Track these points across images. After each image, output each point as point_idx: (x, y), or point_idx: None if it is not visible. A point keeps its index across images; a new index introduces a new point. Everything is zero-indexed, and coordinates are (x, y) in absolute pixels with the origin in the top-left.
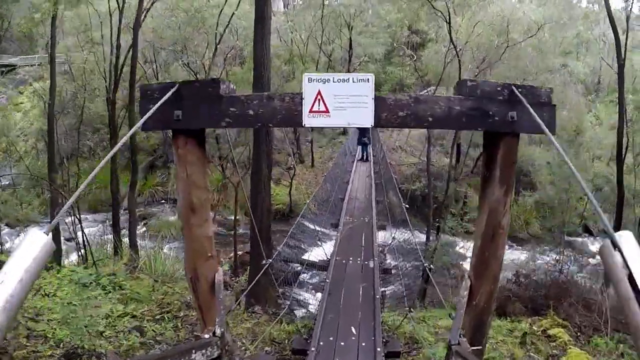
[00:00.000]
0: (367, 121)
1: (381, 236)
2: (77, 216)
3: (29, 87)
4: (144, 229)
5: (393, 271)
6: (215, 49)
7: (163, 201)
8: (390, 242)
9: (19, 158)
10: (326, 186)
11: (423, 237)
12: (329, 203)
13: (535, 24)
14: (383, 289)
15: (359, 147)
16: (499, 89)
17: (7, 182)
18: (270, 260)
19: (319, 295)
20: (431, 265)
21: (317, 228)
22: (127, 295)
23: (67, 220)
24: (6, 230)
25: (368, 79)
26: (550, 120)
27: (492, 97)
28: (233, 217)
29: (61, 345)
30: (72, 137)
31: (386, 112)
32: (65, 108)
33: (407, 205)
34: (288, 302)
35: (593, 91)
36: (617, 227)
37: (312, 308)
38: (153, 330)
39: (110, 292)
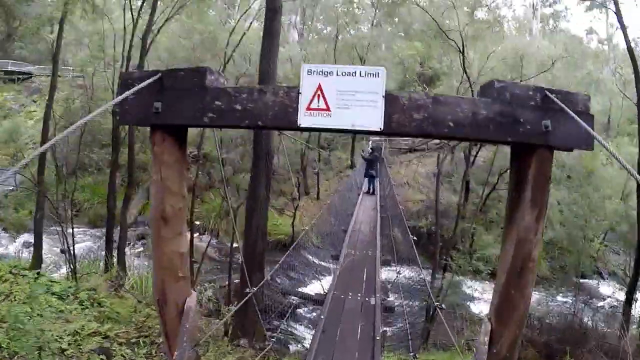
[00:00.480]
0: (375, 123)
1: (384, 272)
2: (63, 227)
3: (43, 96)
4: (142, 248)
5: (396, 309)
6: (224, 68)
7: None
8: (394, 278)
9: (25, 165)
10: (328, 216)
11: (428, 276)
12: (330, 234)
13: (549, 58)
14: (384, 328)
15: (366, 180)
16: (530, 93)
17: (11, 188)
18: (255, 289)
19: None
20: (442, 305)
21: (315, 260)
22: (104, 313)
23: (68, 232)
24: (1, 233)
25: (378, 74)
26: (588, 132)
27: (523, 102)
28: (231, 243)
29: (15, 359)
30: (80, 151)
31: (398, 114)
32: (73, 120)
33: (415, 238)
34: (274, 338)
35: (603, 131)
36: (637, 268)
37: (308, 344)
38: (123, 355)
39: (87, 307)
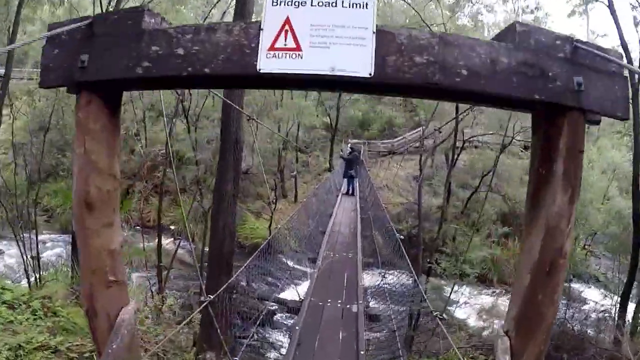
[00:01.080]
0: (363, 67)
1: (367, 276)
2: (16, 234)
3: (16, 98)
4: None
5: (382, 318)
6: None
7: (137, 227)
8: (378, 282)
9: None
10: (305, 219)
11: (410, 280)
12: (308, 237)
13: None
14: (369, 335)
15: (345, 180)
16: (558, 42)
17: None
18: (211, 297)
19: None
20: (443, 315)
21: (290, 263)
22: (59, 323)
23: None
24: None
25: (367, 4)
26: (623, 96)
27: (549, 52)
28: (202, 247)
29: None
30: (52, 154)
31: (395, 55)
32: (40, 120)
33: (401, 237)
34: (244, 345)
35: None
36: (633, 270)
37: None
38: None
39: (40, 317)
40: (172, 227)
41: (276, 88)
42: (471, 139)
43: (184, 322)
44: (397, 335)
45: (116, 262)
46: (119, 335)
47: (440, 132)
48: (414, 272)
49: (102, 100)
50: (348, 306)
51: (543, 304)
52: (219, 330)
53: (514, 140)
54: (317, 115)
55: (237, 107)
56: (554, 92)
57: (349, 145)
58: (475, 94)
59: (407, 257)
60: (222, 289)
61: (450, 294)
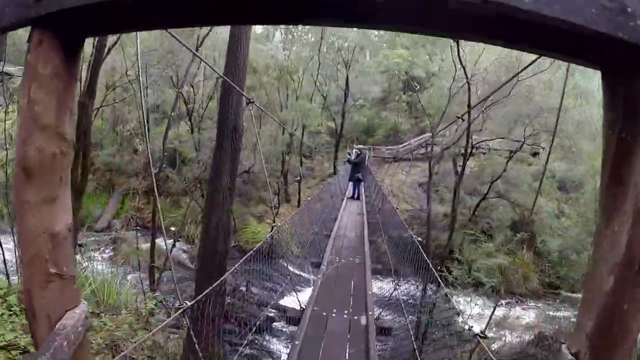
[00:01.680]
0: None
1: (376, 284)
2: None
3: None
4: (111, 253)
5: (394, 331)
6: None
7: (137, 227)
8: (390, 291)
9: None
10: (309, 224)
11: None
12: (310, 239)
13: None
14: (380, 349)
15: (350, 184)
16: None
17: None
18: (189, 303)
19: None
20: (484, 333)
21: (290, 267)
22: None
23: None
24: None
25: None
26: None
27: None
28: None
29: None
30: None
31: None
32: None
33: (419, 239)
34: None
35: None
36: None
37: None
38: None
39: (16, 314)
40: (172, 229)
41: (272, 20)
42: (478, 145)
43: (153, 331)
44: (418, 355)
45: (60, 249)
46: (52, 347)
47: (463, 120)
48: (439, 279)
49: (55, 39)
50: (356, 317)
51: (629, 315)
52: (197, 345)
53: (523, 145)
54: (322, 121)
55: (237, 87)
56: (636, 31)
57: (354, 149)
58: (545, 26)
59: (429, 262)
60: (202, 295)
61: (493, 311)
